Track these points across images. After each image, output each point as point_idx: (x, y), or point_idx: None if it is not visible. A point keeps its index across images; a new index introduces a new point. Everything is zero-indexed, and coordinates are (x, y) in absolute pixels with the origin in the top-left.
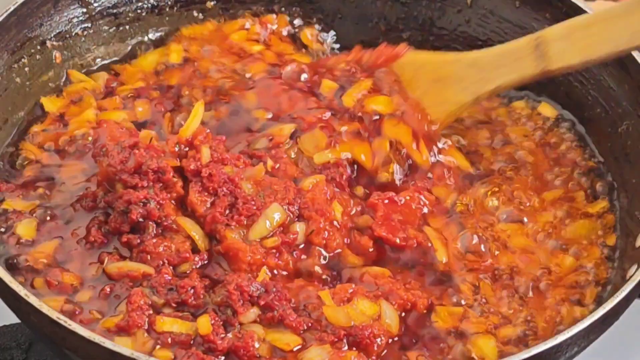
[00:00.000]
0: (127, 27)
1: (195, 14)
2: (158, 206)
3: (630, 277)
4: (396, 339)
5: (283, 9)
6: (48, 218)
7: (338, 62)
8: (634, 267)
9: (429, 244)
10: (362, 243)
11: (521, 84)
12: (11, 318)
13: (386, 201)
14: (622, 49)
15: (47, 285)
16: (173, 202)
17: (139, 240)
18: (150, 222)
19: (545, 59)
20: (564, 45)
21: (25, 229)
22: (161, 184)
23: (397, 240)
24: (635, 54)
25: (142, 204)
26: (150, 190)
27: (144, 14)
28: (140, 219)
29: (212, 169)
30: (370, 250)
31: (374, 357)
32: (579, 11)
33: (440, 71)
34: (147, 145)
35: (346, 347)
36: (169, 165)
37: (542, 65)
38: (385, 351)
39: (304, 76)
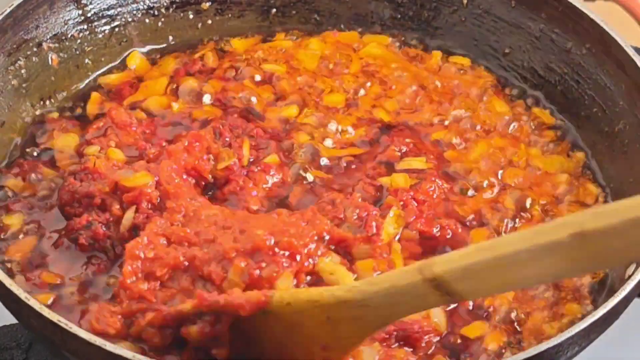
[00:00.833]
0: (123, 28)
1: (190, 15)
2: (103, 226)
3: (630, 276)
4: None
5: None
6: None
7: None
8: (633, 266)
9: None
10: (410, 247)
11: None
12: (11, 318)
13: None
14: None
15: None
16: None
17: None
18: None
19: (455, 295)
20: (471, 285)
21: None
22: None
23: (434, 231)
24: (631, 52)
25: (85, 227)
26: (92, 213)
27: (139, 15)
28: (91, 242)
29: None
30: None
31: (421, 354)
32: (575, 10)
33: (329, 312)
34: (93, 170)
35: (395, 344)
36: (99, 190)
37: (451, 299)
38: (433, 348)
39: None
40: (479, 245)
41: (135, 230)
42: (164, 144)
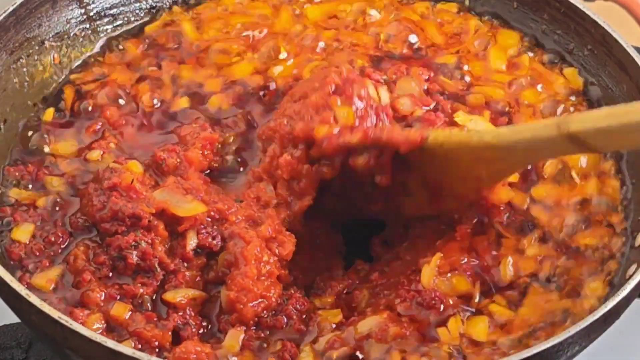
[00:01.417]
0: (125, 27)
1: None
2: (150, 246)
3: (631, 276)
4: None
5: None
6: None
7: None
8: (634, 266)
9: None
10: None
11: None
12: (11, 317)
13: None
14: None
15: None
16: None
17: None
18: (155, 263)
19: (590, 147)
20: (603, 142)
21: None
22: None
23: None
24: (633, 53)
25: (133, 247)
26: (138, 232)
27: (141, 14)
28: (138, 262)
29: None
30: None
31: None
32: (577, 11)
33: (478, 153)
34: (127, 187)
35: None
36: (146, 211)
37: (585, 150)
38: None
39: None
40: (610, 110)
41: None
42: (178, 150)
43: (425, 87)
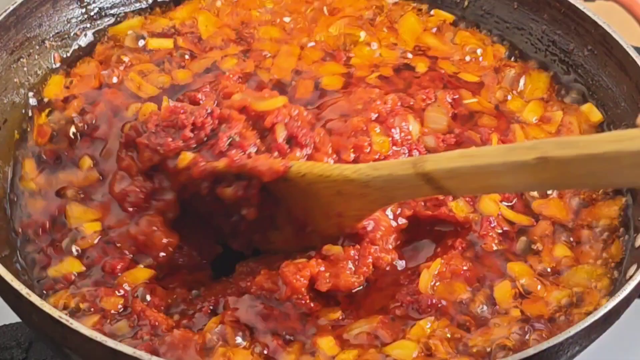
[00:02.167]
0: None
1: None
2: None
3: (631, 276)
4: None
5: None
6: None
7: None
8: (634, 266)
9: None
10: None
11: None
12: (11, 317)
13: None
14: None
15: None
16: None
17: None
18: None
19: (444, 190)
20: (456, 184)
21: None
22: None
23: None
24: (633, 53)
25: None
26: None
27: (142, 14)
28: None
29: None
30: None
31: None
32: (577, 12)
33: (339, 187)
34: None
35: None
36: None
37: (441, 192)
38: None
39: None
40: (463, 151)
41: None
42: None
43: (452, 114)
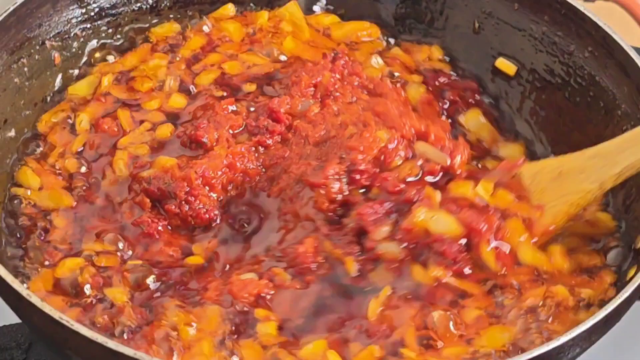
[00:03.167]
0: (126, 27)
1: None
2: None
3: (631, 278)
4: None
5: None
6: None
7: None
8: (634, 268)
9: None
10: None
11: None
12: (11, 318)
13: None
14: None
15: None
16: None
17: None
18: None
19: None
20: None
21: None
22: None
23: None
24: (634, 55)
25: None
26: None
27: (142, 14)
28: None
29: None
30: None
31: None
32: (577, 13)
33: (560, 169)
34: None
35: None
36: None
37: None
38: None
39: None
40: None
41: None
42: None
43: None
